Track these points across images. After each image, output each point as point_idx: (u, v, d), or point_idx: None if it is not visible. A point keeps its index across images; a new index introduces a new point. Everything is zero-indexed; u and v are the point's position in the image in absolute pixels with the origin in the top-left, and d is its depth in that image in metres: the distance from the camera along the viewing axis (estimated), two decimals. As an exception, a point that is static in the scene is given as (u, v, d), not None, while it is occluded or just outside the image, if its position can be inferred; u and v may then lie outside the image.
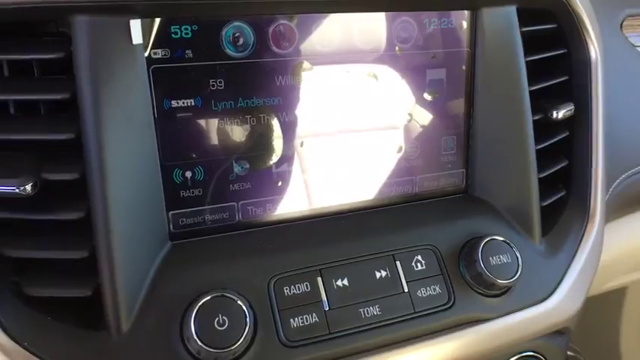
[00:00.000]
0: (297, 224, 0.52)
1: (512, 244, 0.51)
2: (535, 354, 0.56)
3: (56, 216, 0.42)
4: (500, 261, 0.50)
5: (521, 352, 0.55)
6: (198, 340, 0.40)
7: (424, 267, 0.50)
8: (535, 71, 0.57)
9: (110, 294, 0.42)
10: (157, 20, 0.44)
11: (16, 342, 0.41)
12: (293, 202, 0.52)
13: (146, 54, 0.44)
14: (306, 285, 0.47)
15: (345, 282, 0.48)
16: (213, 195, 0.49)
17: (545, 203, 0.58)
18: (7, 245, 0.42)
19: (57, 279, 0.43)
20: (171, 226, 0.48)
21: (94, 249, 0.42)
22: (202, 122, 0.47)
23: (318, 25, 0.50)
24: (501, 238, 0.51)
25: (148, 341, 0.42)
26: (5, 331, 0.41)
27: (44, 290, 0.43)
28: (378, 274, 0.49)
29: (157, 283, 0.44)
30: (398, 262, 0.50)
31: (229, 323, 0.41)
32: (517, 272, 0.50)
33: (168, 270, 0.45)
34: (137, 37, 0.42)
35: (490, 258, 0.50)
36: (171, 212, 0.48)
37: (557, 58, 0.60)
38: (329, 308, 0.46)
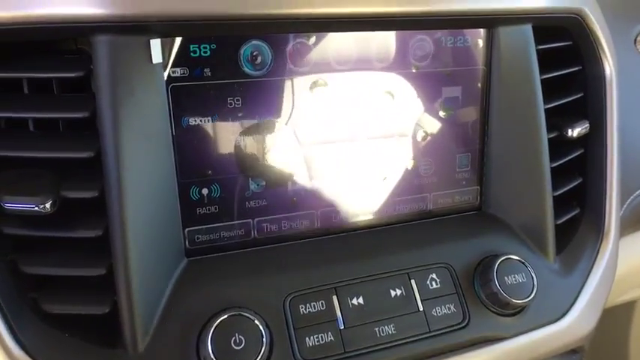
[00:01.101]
0: (313, 241, 0.52)
1: (527, 264, 0.51)
2: (549, 373, 0.56)
3: (75, 234, 0.43)
4: (515, 280, 0.50)
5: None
6: (214, 360, 0.40)
7: (439, 285, 0.50)
8: (549, 88, 0.57)
9: (127, 311, 0.42)
10: (177, 39, 0.45)
11: (34, 359, 0.41)
12: (308, 219, 0.52)
13: (165, 72, 0.45)
14: (322, 303, 0.47)
15: (361, 300, 0.48)
16: (229, 212, 0.49)
17: (559, 221, 0.58)
18: (26, 262, 0.43)
19: (75, 296, 0.44)
20: (187, 243, 0.48)
21: (112, 266, 0.42)
22: (219, 140, 0.48)
23: (335, 44, 0.50)
24: (517, 258, 0.51)
25: (164, 358, 0.42)
26: (23, 348, 0.41)
27: (62, 307, 0.43)
28: (393, 293, 0.49)
29: (174, 300, 0.45)
30: (413, 281, 0.50)
31: (246, 343, 0.42)
32: (532, 292, 0.50)
33: (184, 287, 0.46)
34: (157, 56, 0.43)
35: (505, 277, 0.50)
36: (187, 229, 0.48)
37: (571, 75, 0.60)
38: (344, 327, 0.46)
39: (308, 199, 0.52)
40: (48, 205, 0.41)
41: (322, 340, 0.45)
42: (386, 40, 0.52)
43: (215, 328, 0.42)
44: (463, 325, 0.49)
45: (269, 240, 0.51)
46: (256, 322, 0.42)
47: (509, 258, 0.51)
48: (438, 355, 0.48)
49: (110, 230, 0.42)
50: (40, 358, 0.41)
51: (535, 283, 0.50)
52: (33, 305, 0.43)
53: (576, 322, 0.54)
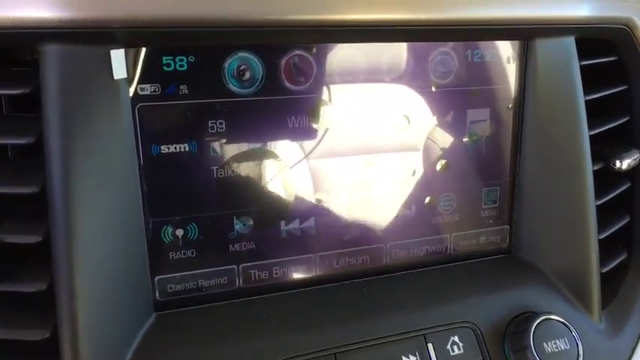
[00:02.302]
0: (310, 291, 0.44)
1: (570, 326, 0.42)
2: None
3: (12, 287, 0.35)
4: (556, 348, 0.41)
5: None
6: None
7: (462, 351, 0.41)
8: (590, 111, 0.48)
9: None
10: (146, 49, 0.37)
11: None
12: (304, 265, 0.44)
13: (132, 90, 0.37)
14: (319, 377, 0.38)
15: (366, 371, 0.39)
16: (210, 257, 0.41)
17: (605, 269, 0.49)
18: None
19: (15, 361, 0.36)
20: (157, 294, 0.40)
21: (56, 329, 0.34)
22: (198, 171, 0.39)
23: (341, 57, 0.42)
24: (558, 318, 0.42)
25: None
26: None
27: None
28: (405, 361, 0.40)
29: (135, 369, 0.36)
30: (430, 345, 0.41)
31: None
32: (578, 360, 0.41)
33: (149, 350, 0.37)
34: (120, 70, 0.35)
35: (544, 344, 0.41)
36: (157, 277, 0.40)
37: (616, 96, 0.52)
38: (345, 405, 0.38)
39: (304, 240, 0.43)
40: (-20, 252, 0.33)
41: (317, 422, 0.37)
42: (400, 52, 0.44)
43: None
44: (492, 401, 0.40)
45: (257, 290, 0.43)
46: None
47: (549, 319, 0.42)
48: None
49: (55, 283, 0.34)
50: None
51: (581, 350, 0.41)
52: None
53: (628, 396, 0.45)
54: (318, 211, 0.43)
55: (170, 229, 0.40)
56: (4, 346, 0.35)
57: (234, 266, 0.42)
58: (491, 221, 0.49)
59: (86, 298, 0.34)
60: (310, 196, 0.43)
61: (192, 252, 0.40)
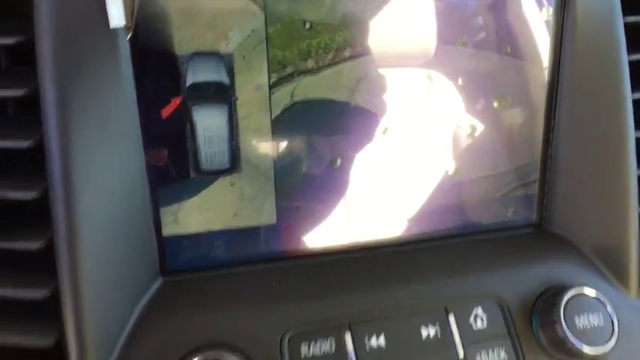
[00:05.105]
0: (324, 260, 0.41)
1: (604, 301, 0.39)
2: None
3: (12, 244, 0.33)
4: (589, 324, 0.38)
5: None
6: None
7: (485, 325, 0.39)
8: (633, 73, 0.44)
9: (76, 347, 0.33)
10: (147, -5, 0.35)
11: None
12: (320, 233, 0.41)
13: (129, 37, 0.34)
14: (331, 343, 0.36)
15: (382, 341, 0.37)
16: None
17: (647, 244, 0.45)
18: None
19: (15, 323, 0.34)
20: (163, 258, 0.38)
21: (57, 289, 0.33)
22: (210, 126, 0.37)
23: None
24: (591, 292, 0.39)
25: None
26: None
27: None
28: (425, 333, 0.38)
29: (139, 333, 0.35)
30: (451, 317, 0.38)
31: (224, 398, 0.31)
32: (612, 339, 0.38)
33: (153, 316, 0.36)
34: (117, 17, 0.33)
35: (576, 318, 0.38)
36: (165, 237, 0.38)
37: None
38: (359, 377, 0.36)
39: (320, 207, 0.41)
40: (-23, 207, 0.32)
41: (329, 393, 0.35)
42: (423, 9, 0.40)
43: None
44: (517, 378, 0.38)
45: (270, 256, 0.40)
46: (237, 368, 0.32)
47: (582, 292, 0.39)
48: (483, 419, 0.37)
49: (55, 241, 0.33)
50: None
51: (616, 327, 0.38)
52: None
53: (665, 377, 0.41)
54: (337, 176, 0.41)
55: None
56: (8, 307, 0.34)
57: (245, 230, 0.40)
58: (521, 192, 0.46)
59: (88, 256, 0.33)
60: (330, 162, 0.40)
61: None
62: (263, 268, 0.40)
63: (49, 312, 0.34)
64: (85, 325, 0.33)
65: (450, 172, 0.43)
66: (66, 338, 0.33)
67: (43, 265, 0.34)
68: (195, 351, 0.33)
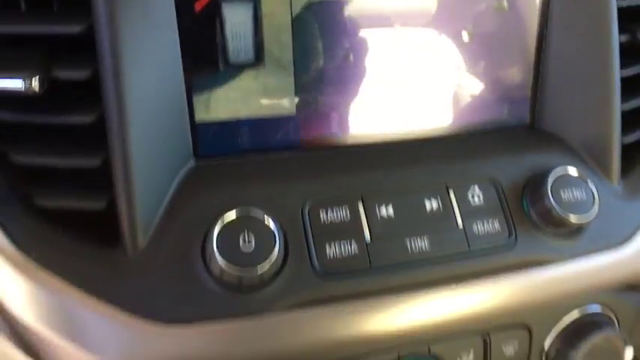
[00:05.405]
0: (339, 148, 0.46)
1: (587, 179, 0.44)
2: (603, 310, 0.49)
3: (67, 119, 0.38)
4: (573, 197, 0.43)
5: (586, 305, 0.48)
6: (220, 258, 0.35)
7: (482, 201, 0.44)
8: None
9: (125, 205, 0.37)
10: None
11: (26, 253, 0.37)
12: (335, 124, 0.46)
13: None
14: (346, 212, 0.41)
15: (390, 211, 0.42)
16: (249, 106, 0.43)
17: (627, 141, 0.50)
18: (15, 151, 0.38)
19: (69, 190, 0.39)
20: (196, 141, 0.43)
21: (108, 158, 0.38)
22: (237, 22, 0.42)
23: None
24: (574, 171, 0.44)
25: (166, 259, 0.37)
26: (14, 242, 0.37)
27: (55, 201, 0.39)
28: (428, 205, 0.43)
29: (179, 198, 0.40)
30: (452, 193, 0.43)
31: (256, 243, 0.36)
32: (592, 209, 0.43)
33: (190, 187, 0.40)
34: None
35: (561, 192, 0.43)
36: (197, 123, 0.43)
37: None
38: (371, 239, 0.41)
39: (335, 103, 0.45)
40: (35, 82, 0.36)
41: (345, 251, 0.40)
42: None
43: (222, 227, 0.36)
44: (509, 245, 0.43)
45: (289, 144, 0.45)
46: (268, 222, 0.37)
47: (567, 172, 0.44)
48: (479, 277, 0.42)
49: (106, 115, 0.37)
50: (32, 254, 0.37)
51: (596, 200, 0.43)
52: (25, 200, 0.39)
53: (639, 251, 0.47)
54: (349, 75, 0.45)
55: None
56: (62, 176, 0.39)
57: (269, 119, 0.44)
58: (514, 93, 0.50)
59: (134, 130, 0.37)
60: (343, 58, 0.45)
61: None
62: (284, 156, 0.45)
63: (99, 181, 0.39)
64: (133, 188, 0.37)
65: (448, 72, 0.48)
66: (116, 201, 0.38)
67: (93, 138, 0.38)
68: (230, 209, 0.37)
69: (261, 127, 0.44)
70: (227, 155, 0.43)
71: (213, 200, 0.39)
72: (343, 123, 0.46)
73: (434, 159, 0.46)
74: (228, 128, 0.43)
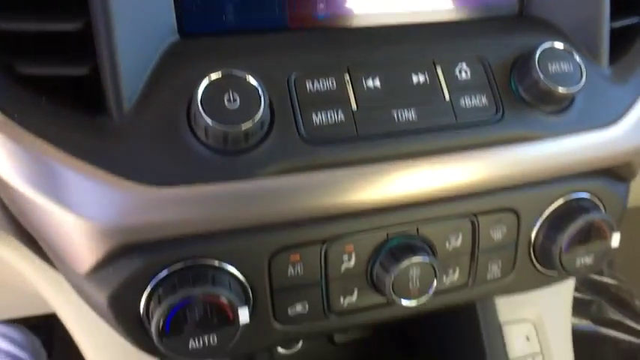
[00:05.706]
0: (327, 29, 0.45)
1: (574, 53, 0.44)
2: (591, 197, 0.49)
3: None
4: (560, 69, 0.43)
5: (574, 193, 0.49)
6: (204, 115, 0.35)
7: (469, 77, 0.44)
8: None
9: (109, 65, 0.37)
10: None
11: (8, 116, 0.37)
12: (324, 7, 0.45)
13: None
14: (332, 82, 0.41)
15: (377, 83, 0.42)
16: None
17: (615, 25, 0.49)
18: (-4, 16, 0.38)
19: (51, 56, 0.39)
20: (181, 15, 0.42)
21: (90, 20, 0.37)
22: None
23: None
24: (560, 45, 0.44)
25: (152, 123, 0.37)
26: (-2, 107, 0.37)
27: (37, 68, 0.38)
28: (415, 79, 0.43)
29: (164, 66, 0.39)
30: (439, 68, 0.43)
31: (241, 101, 0.36)
32: (580, 81, 0.43)
33: (176, 57, 0.40)
34: None
35: (549, 64, 0.43)
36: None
37: None
38: (357, 108, 0.40)
39: None
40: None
41: (331, 119, 0.40)
42: None
43: (208, 85, 0.36)
44: (495, 119, 0.43)
45: (276, 25, 0.44)
46: (254, 82, 0.37)
47: (553, 46, 0.44)
48: (465, 150, 0.42)
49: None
50: (15, 116, 0.37)
51: (583, 72, 0.43)
52: (6, 68, 0.38)
53: (628, 132, 0.47)
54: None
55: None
56: (45, 43, 0.38)
57: (254, -4, 0.43)
58: (504, -21, 0.50)
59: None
60: None
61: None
62: (270, 36, 0.44)
63: (82, 50, 0.38)
64: (116, 49, 0.37)
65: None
66: (100, 66, 0.37)
67: (75, 2, 0.38)
68: (214, 71, 0.37)
69: (247, 4, 0.43)
70: (212, 34, 0.43)
71: (198, 66, 0.39)
72: (331, 3, 0.45)
73: (421, 39, 0.45)
74: (213, 4, 0.43)
